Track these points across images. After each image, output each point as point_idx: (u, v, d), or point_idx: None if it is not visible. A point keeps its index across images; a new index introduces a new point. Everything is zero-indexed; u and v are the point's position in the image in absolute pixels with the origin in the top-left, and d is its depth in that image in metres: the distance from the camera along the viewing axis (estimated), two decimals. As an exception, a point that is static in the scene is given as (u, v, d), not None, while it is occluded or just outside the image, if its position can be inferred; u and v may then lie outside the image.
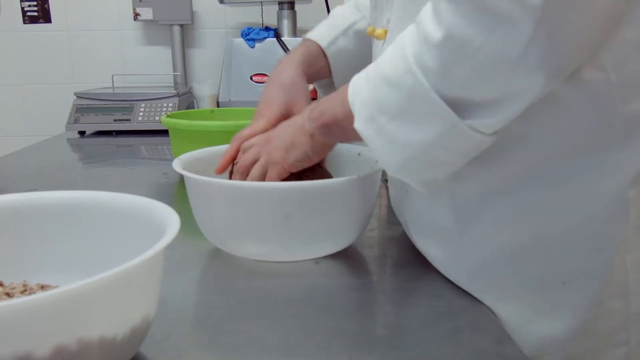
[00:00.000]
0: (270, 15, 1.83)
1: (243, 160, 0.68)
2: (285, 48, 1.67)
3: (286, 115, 0.72)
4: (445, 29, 0.45)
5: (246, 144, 0.70)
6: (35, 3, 1.88)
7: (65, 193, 0.54)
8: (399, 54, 0.49)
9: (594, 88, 0.50)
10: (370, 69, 0.54)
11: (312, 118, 0.62)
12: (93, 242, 0.52)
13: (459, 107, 0.47)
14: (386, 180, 1.09)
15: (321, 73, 0.84)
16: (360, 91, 0.53)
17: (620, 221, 0.52)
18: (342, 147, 0.77)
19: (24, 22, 1.90)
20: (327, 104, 0.61)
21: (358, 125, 0.53)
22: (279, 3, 1.74)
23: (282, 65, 0.80)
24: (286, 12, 1.74)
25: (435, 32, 0.46)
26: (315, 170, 0.68)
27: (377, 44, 0.68)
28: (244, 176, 0.67)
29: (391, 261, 0.69)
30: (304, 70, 0.79)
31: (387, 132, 0.51)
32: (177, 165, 0.68)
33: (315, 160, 0.65)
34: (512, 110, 0.47)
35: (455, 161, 0.52)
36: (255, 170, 0.66)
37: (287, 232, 0.62)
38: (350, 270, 0.65)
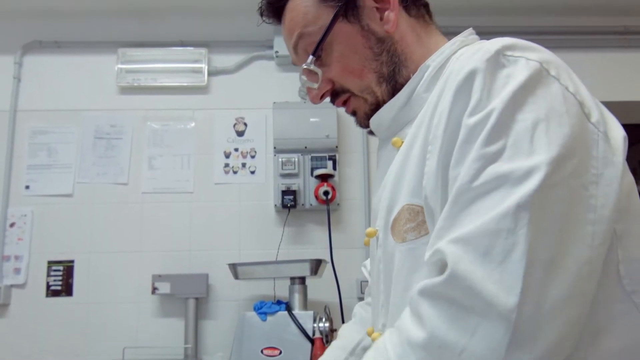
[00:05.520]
0: (282, 288, 1.91)
1: None
2: (296, 321, 1.71)
3: None
4: (428, 331, 0.48)
5: None
6: (60, 278, 1.99)
7: None
8: (382, 358, 0.52)
9: None
10: None
11: None
12: None
13: None
14: None
15: None
16: None
17: None
18: None
19: (47, 296, 1.97)
20: None
21: None
22: (291, 278, 1.83)
23: None
24: (297, 287, 1.82)
25: (418, 334, 0.49)
26: None
27: None
28: None
29: None
30: None
31: None
32: None
33: None
34: None
35: None
36: None
37: None
38: None
